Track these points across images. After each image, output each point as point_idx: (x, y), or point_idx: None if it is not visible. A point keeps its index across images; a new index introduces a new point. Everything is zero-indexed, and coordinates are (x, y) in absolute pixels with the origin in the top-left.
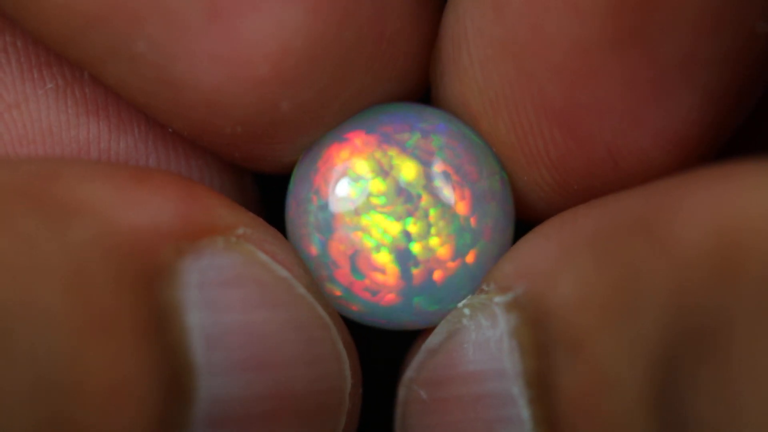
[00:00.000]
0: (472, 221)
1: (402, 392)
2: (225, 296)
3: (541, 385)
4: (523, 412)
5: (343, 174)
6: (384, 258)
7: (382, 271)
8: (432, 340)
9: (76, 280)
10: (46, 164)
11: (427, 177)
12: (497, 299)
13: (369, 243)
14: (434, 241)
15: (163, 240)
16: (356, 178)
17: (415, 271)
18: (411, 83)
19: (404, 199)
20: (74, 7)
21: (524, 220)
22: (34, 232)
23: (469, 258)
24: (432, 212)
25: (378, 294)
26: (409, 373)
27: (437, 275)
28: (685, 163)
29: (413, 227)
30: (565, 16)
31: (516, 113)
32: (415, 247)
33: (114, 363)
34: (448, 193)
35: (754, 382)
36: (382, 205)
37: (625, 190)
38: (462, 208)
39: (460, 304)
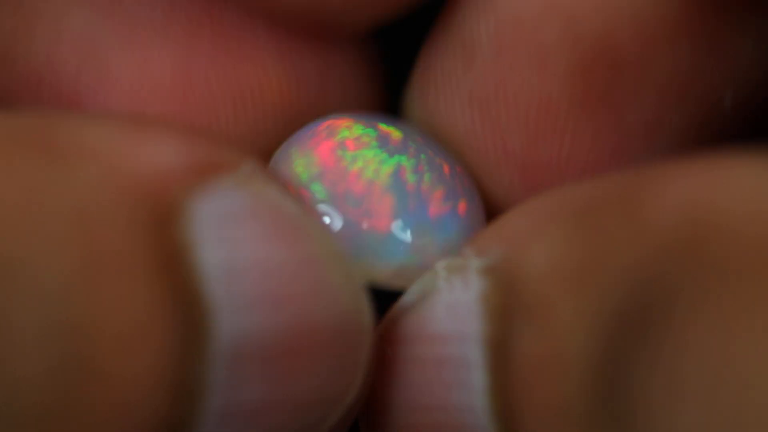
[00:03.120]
0: (458, 185)
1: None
2: (239, 232)
3: (501, 352)
4: (478, 377)
5: (336, 133)
6: (379, 188)
7: (379, 200)
8: (405, 299)
9: (83, 220)
10: (44, 115)
11: (413, 139)
12: (473, 263)
13: (365, 175)
14: (426, 181)
15: (172, 179)
16: (350, 135)
17: (410, 201)
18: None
19: (394, 146)
20: None
21: None
22: (37, 176)
23: (461, 209)
24: (422, 157)
25: (372, 220)
26: (379, 329)
27: (431, 209)
28: None
29: (406, 163)
30: (533, 72)
31: (478, 158)
32: (409, 179)
33: (127, 301)
34: (432, 154)
35: (693, 362)
36: (375, 146)
37: (608, 173)
38: (446, 170)
39: (438, 265)
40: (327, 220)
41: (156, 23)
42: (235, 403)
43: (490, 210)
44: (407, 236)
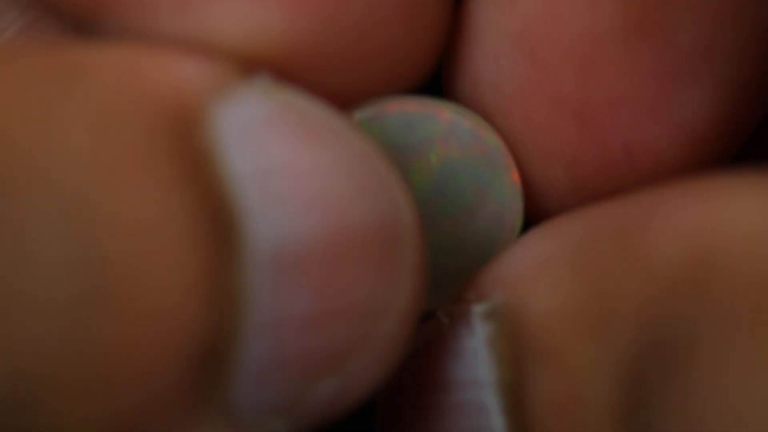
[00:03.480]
0: None
1: (382, 398)
2: (268, 136)
3: (515, 396)
4: (497, 422)
5: None
6: None
7: None
8: (412, 348)
9: (103, 126)
10: (50, 42)
11: None
12: (476, 308)
13: None
14: None
15: (194, 87)
16: None
17: None
18: (405, 86)
19: None
20: None
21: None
22: (53, 86)
23: None
24: None
25: None
26: (389, 381)
27: None
28: (701, 160)
29: None
30: (583, 6)
31: (530, 109)
32: None
33: (153, 204)
34: None
35: (713, 405)
36: None
37: (609, 200)
38: None
39: (439, 312)
40: None
41: None
42: (280, 315)
43: (549, 166)
44: None
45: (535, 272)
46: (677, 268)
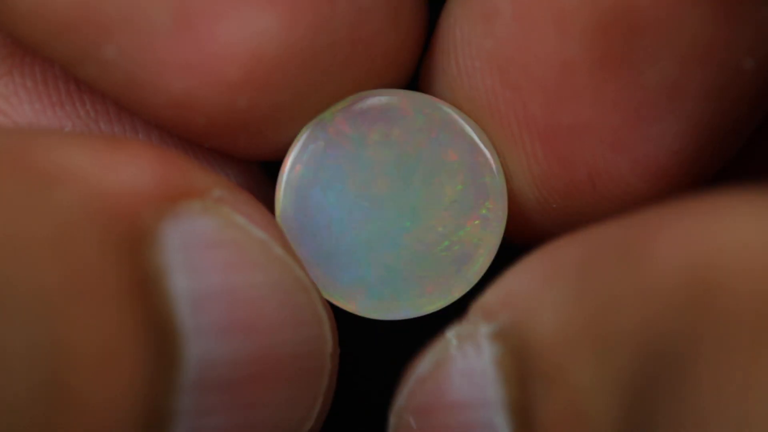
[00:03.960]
0: None
1: (393, 420)
2: (206, 259)
3: (522, 415)
4: None
5: None
6: None
7: None
8: (421, 369)
9: (61, 244)
10: (22, 134)
11: None
12: (483, 329)
13: None
14: None
15: (144, 203)
16: None
17: None
18: (391, 82)
19: None
20: (44, 13)
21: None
22: (15, 198)
23: None
24: None
25: None
26: (400, 400)
27: None
28: (664, 194)
29: None
30: (553, 33)
31: (500, 125)
32: None
33: (103, 326)
34: None
35: (714, 418)
36: None
37: (608, 220)
38: None
39: (448, 333)
40: None
41: None
42: (200, 431)
43: (515, 180)
44: None
45: (539, 293)
46: (678, 285)
